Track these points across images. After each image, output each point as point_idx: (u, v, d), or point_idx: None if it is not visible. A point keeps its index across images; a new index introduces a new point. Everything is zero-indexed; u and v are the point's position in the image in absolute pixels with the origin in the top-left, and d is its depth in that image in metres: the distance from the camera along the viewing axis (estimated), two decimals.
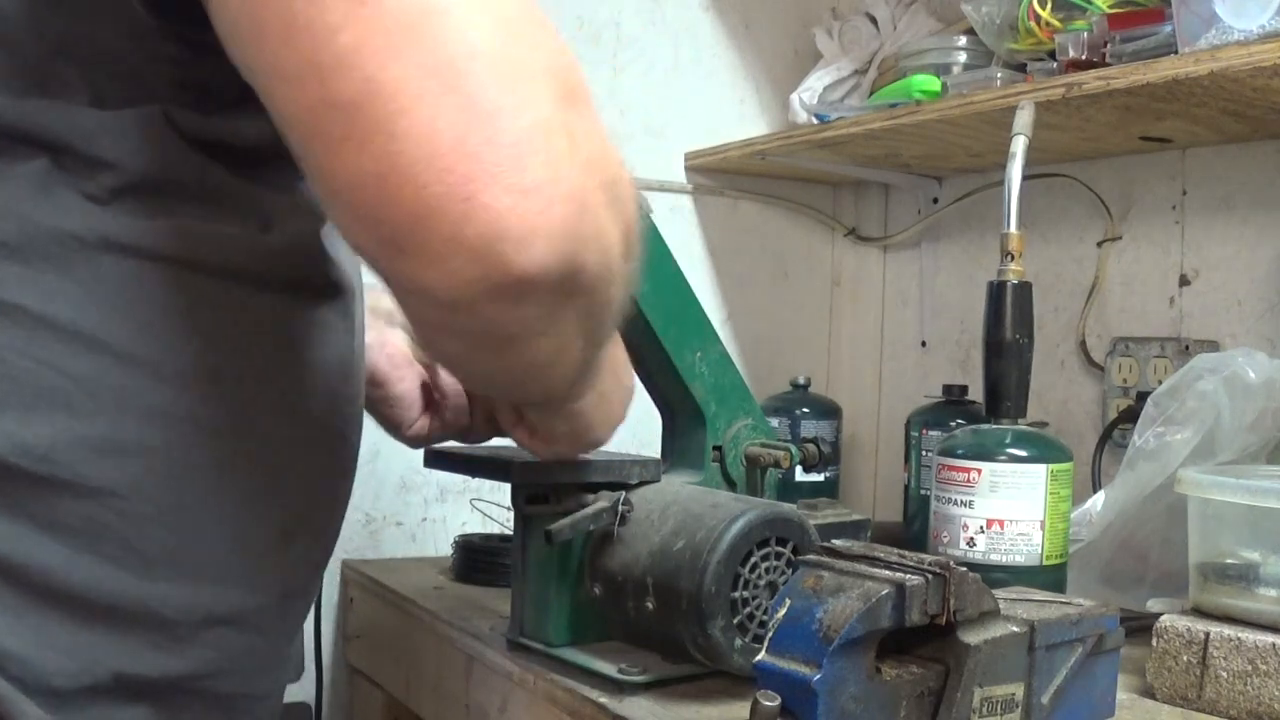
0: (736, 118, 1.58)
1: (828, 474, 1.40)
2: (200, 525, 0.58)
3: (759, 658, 0.61)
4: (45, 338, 0.53)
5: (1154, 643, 0.79)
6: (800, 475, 1.12)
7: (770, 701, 0.58)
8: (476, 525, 1.37)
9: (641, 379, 0.89)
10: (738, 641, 0.74)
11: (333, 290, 0.65)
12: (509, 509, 0.96)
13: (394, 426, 0.85)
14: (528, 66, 0.49)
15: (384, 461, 1.34)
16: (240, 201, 0.59)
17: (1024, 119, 1.05)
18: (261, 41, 0.49)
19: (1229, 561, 0.80)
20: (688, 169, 1.56)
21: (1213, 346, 1.20)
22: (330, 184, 0.50)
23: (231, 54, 0.52)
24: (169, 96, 0.56)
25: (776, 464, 0.94)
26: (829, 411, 1.45)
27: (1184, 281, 1.25)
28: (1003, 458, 0.96)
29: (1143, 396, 1.07)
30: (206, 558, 0.58)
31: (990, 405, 1.00)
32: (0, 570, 0.52)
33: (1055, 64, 1.11)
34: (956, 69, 1.28)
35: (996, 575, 0.92)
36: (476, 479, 1.26)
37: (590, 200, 0.50)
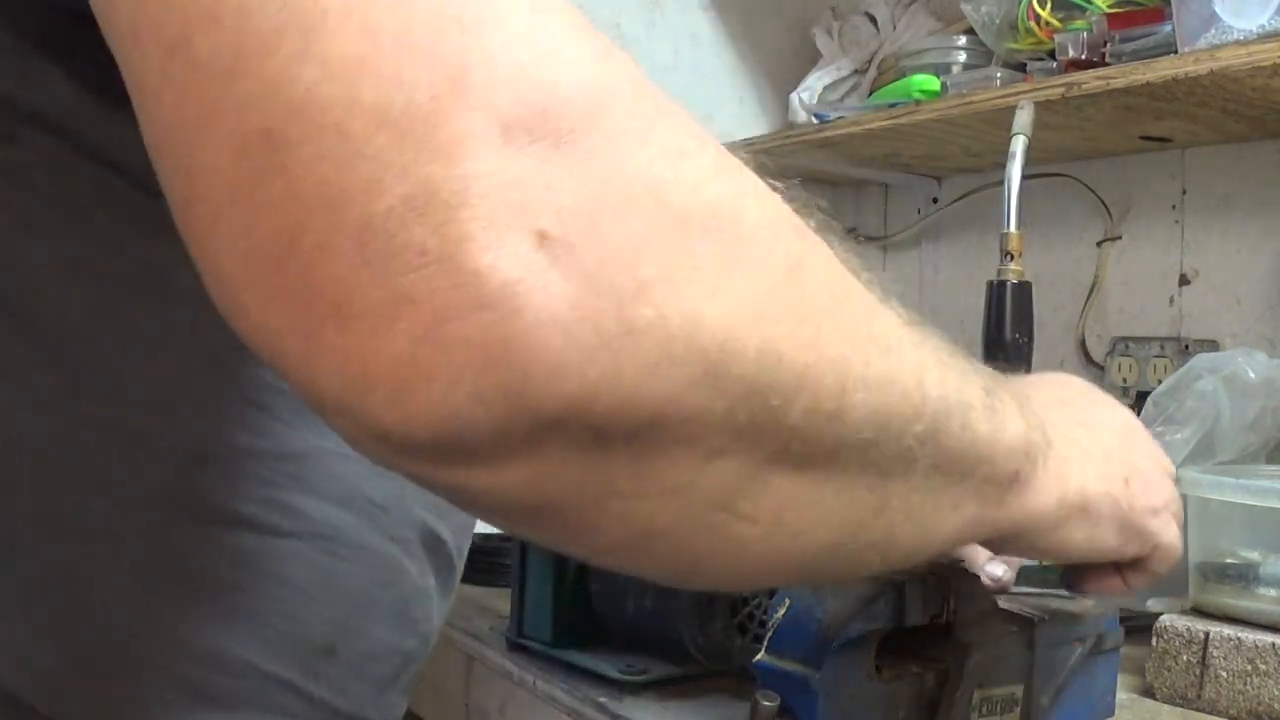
0: (736, 118, 1.58)
1: None
2: (215, 639, 0.47)
3: (758, 658, 0.61)
4: (15, 399, 0.44)
5: (1154, 642, 0.79)
6: None
7: (770, 701, 0.58)
8: (477, 525, 1.37)
9: None
10: (738, 641, 0.74)
11: None
12: None
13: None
14: (415, 101, 0.29)
15: None
16: None
17: (1024, 119, 1.05)
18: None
19: (1229, 561, 0.80)
20: None
21: (1213, 346, 1.20)
22: None
23: None
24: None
25: None
26: None
27: (1184, 281, 1.25)
28: None
29: (1143, 396, 1.06)
30: (217, 679, 0.48)
31: None
32: None
33: (1055, 64, 1.11)
34: (956, 69, 1.28)
35: None
36: None
37: (562, 296, 0.29)
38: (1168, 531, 0.55)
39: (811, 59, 1.56)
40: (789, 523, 0.36)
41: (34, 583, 0.44)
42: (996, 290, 1.00)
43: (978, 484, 0.42)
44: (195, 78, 0.30)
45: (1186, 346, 1.23)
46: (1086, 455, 0.50)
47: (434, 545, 0.56)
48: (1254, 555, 0.79)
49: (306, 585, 0.49)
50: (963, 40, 1.29)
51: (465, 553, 0.61)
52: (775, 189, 0.35)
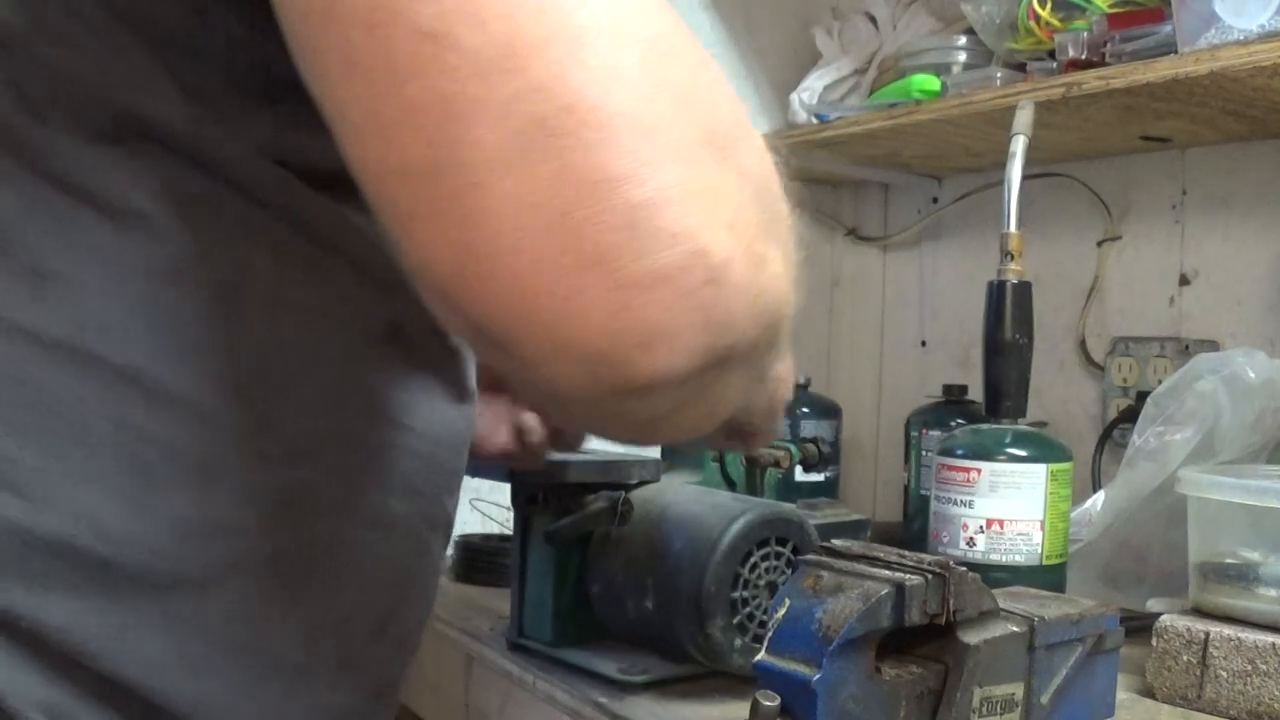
0: None
1: (827, 474, 1.40)
2: (285, 618, 0.49)
3: (759, 658, 0.61)
4: (126, 395, 0.45)
5: (1154, 643, 0.79)
6: (800, 475, 1.12)
7: (770, 701, 0.58)
8: (476, 525, 1.37)
9: None
10: (737, 641, 0.74)
11: (446, 354, 0.57)
12: (509, 509, 0.96)
13: None
14: (643, 112, 0.37)
15: None
16: (336, 234, 0.50)
17: (1024, 119, 1.05)
18: (320, 75, 0.39)
19: (1229, 561, 0.80)
20: None
21: (1213, 346, 1.20)
22: (407, 260, 0.40)
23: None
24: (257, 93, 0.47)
25: (776, 464, 0.94)
26: (829, 411, 1.45)
27: (1184, 281, 1.25)
28: (1002, 458, 0.96)
29: (1143, 396, 1.07)
30: (290, 655, 0.50)
31: (990, 405, 1.00)
32: (94, 675, 0.44)
33: (1055, 64, 1.11)
34: (956, 69, 1.28)
35: (996, 575, 0.92)
36: (476, 479, 1.26)
37: (740, 272, 0.39)
38: (779, 424, 0.75)
39: (811, 59, 1.56)
40: (733, 399, 0.47)
41: (156, 574, 0.45)
42: (996, 290, 1.00)
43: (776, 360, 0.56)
44: (463, 65, 0.36)
45: (1186, 346, 1.23)
46: (786, 356, 0.66)
47: (446, 525, 0.60)
48: (1254, 555, 0.79)
49: (370, 569, 0.53)
50: (963, 40, 1.29)
51: None
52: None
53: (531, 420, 0.77)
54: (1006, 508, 0.95)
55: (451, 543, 1.24)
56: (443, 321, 0.43)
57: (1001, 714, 0.65)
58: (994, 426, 0.99)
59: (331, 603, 0.51)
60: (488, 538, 1.27)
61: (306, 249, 0.49)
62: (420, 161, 0.37)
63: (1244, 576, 0.78)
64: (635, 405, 0.42)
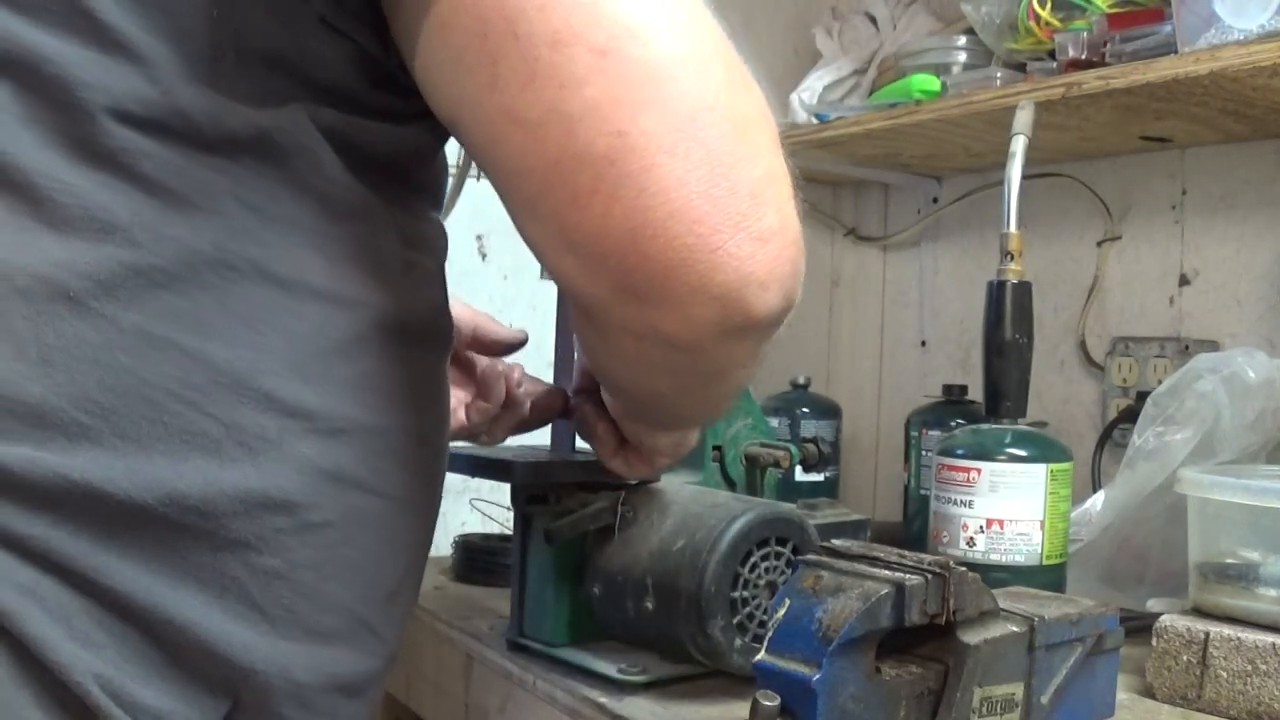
0: None
1: (827, 474, 1.40)
2: (322, 583, 0.53)
3: (758, 658, 0.61)
4: (199, 379, 0.49)
5: (1154, 642, 0.79)
6: (800, 475, 1.12)
7: (770, 701, 0.58)
8: (476, 525, 1.37)
9: None
10: (737, 641, 0.74)
11: (448, 341, 0.62)
12: (509, 509, 0.96)
13: None
14: (750, 114, 0.51)
15: None
16: (391, 235, 0.55)
17: (1024, 119, 1.05)
18: (495, 84, 0.48)
19: (1229, 561, 0.80)
20: None
21: (1213, 346, 1.20)
22: (570, 235, 0.50)
23: (438, 90, 0.50)
24: (316, 97, 0.52)
25: (776, 464, 0.94)
26: (829, 411, 1.45)
27: (1184, 281, 1.25)
28: (1002, 457, 0.96)
29: (1143, 396, 1.07)
30: (324, 618, 0.54)
31: (990, 405, 1.00)
32: (145, 625, 0.48)
33: (1055, 64, 1.11)
34: (956, 69, 1.28)
35: (996, 575, 0.92)
36: (476, 479, 1.26)
37: (801, 238, 0.53)
38: (666, 461, 0.82)
39: (811, 59, 1.56)
40: (748, 378, 0.62)
41: (216, 538, 0.49)
42: (996, 290, 1.00)
43: None
44: (633, 72, 0.47)
45: (1186, 346, 1.23)
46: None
47: (439, 501, 0.64)
48: (1254, 555, 0.79)
49: (389, 540, 0.57)
50: (963, 40, 1.29)
51: None
52: None
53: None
54: (1006, 508, 0.95)
55: (451, 542, 1.24)
56: (585, 287, 0.53)
57: (1001, 714, 0.66)
58: (994, 426, 0.99)
59: (359, 571, 0.56)
60: (488, 538, 1.27)
61: (357, 248, 0.54)
62: (604, 148, 0.47)
63: (1244, 576, 0.78)
64: (735, 347, 0.54)
